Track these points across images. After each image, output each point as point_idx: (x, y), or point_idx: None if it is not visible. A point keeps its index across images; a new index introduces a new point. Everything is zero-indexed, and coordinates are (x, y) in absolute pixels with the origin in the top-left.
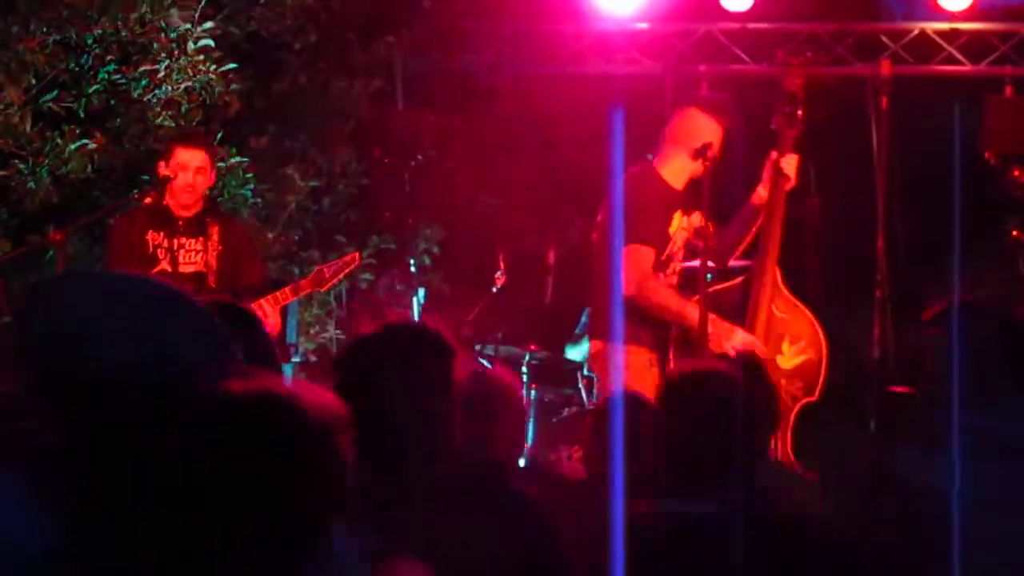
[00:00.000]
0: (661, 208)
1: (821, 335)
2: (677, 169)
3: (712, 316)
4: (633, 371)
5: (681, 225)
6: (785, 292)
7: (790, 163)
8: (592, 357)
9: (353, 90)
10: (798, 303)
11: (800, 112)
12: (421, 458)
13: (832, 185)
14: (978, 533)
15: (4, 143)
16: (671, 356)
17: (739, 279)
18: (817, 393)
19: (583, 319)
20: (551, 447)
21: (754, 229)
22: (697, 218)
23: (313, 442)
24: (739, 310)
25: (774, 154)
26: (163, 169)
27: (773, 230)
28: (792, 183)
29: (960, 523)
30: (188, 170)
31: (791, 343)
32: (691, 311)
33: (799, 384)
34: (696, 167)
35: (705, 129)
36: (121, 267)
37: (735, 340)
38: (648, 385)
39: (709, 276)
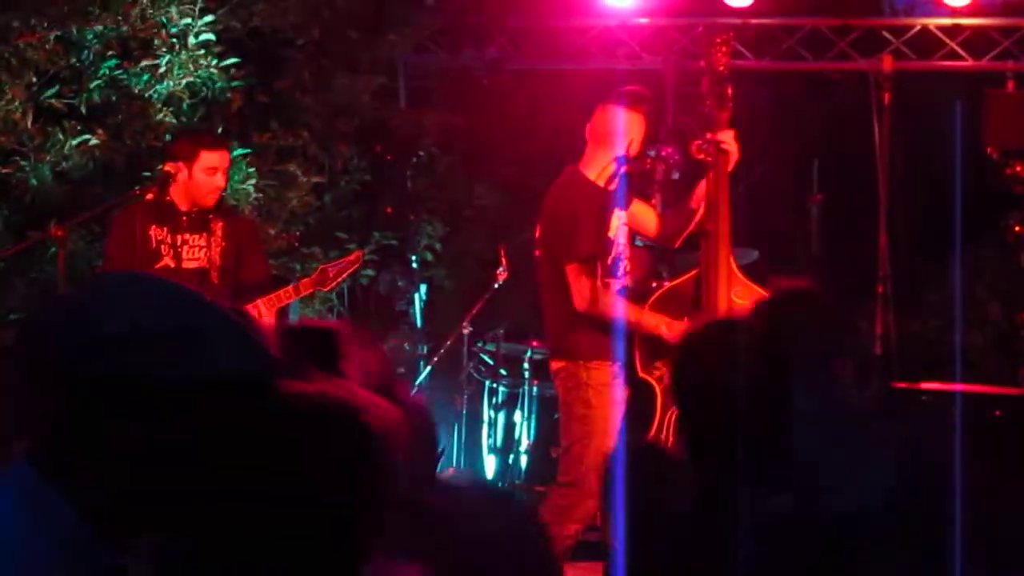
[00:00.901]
0: (595, 214)
1: None
2: (604, 169)
3: (665, 319)
4: (595, 388)
5: (621, 222)
6: (741, 277)
7: (728, 137)
8: (554, 374)
9: (356, 87)
10: (755, 287)
11: (729, 91)
12: None
13: (834, 181)
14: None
15: (5, 139)
16: (637, 360)
17: (694, 271)
18: None
19: None
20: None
21: (698, 213)
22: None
23: (375, 450)
24: (695, 302)
25: (708, 135)
26: (174, 169)
27: (721, 214)
28: (735, 157)
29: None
30: (216, 173)
31: None
32: (648, 319)
33: None
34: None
35: (629, 125)
36: (122, 261)
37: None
38: (611, 401)
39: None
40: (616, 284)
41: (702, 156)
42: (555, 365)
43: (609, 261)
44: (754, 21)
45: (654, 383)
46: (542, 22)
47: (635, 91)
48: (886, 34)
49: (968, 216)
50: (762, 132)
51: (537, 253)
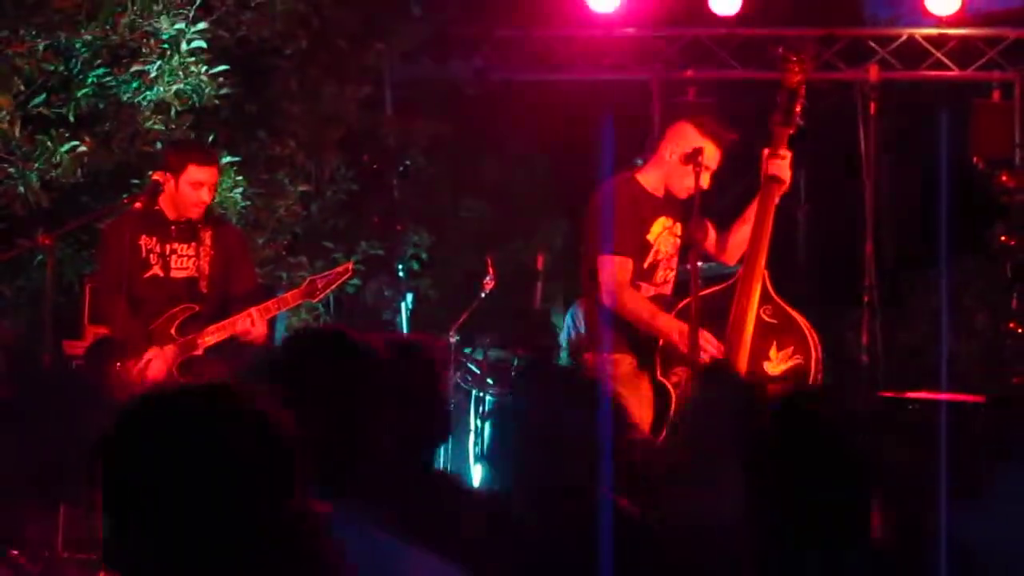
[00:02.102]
0: (635, 216)
1: (811, 341)
2: (658, 176)
3: (683, 329)
4: (620, 380)
5: (668, 230)
6: (775, 298)
7: (780, 165)
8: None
9: (343, 96)
10: (789, 309)
11: (798, 109)
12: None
13: (821, 190)
14: None
15: None
16: (657, 363)
17: (727, 283)
18: None
19: (568, 323)
20: None
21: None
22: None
23: None
24: (723, 314)
25: (766, 152)
26: (161, 178)
27: (762, 234)
28: (785, 186)
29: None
30: (202, 188)
31: (779, 348)
32: (662, 322)
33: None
34: (682, 175)
35: (691, 139)
36: (116, 272)
37: (707, 352)
38: (639, 392)
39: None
40: (650, 290)
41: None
42: (586, 357)
43: (645, 265)
44: (740, 31)
45: (671, 388)
46: (528, 32)
47: (723, 127)
48: (872, 44)
49: (955, 226)
50: (748, 141)
51: (581, 247)
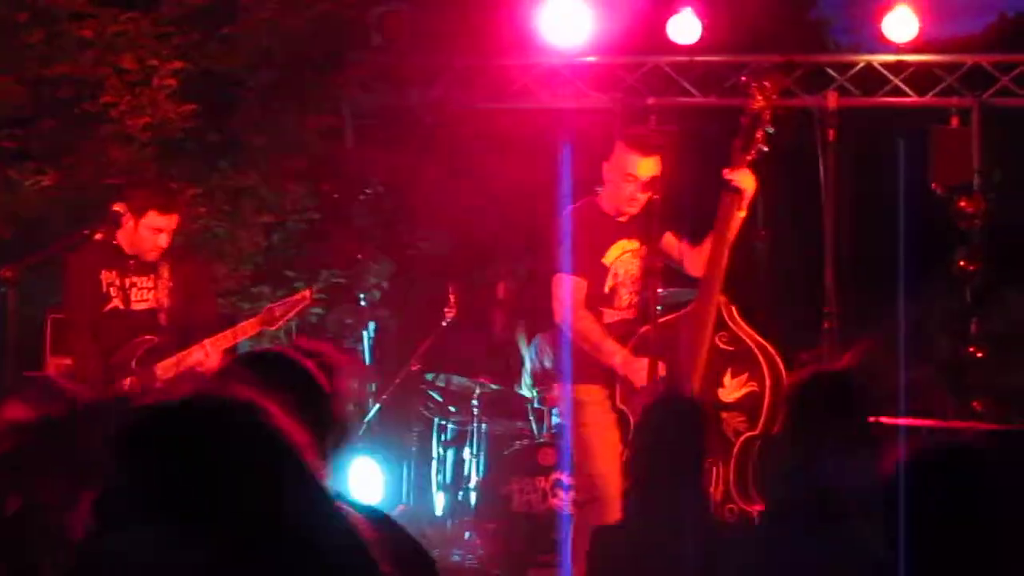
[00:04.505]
0: (591, 239)
1: (766, 368)
2: (612, 199)
3: (628, 357)
4: (587, 408)
5: (632, 252)
6: (731, 324)
7: (738, 175)
8: (557, 400)
9: (304, 126)
10: (746, 337)
11: (759, 134)
12: None
13: (781, 217)
14: None
15: None
16: (617, 389)
17: (686, 309)
18: (760, 426)
19: (531, 353)
20: (502, 480)
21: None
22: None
23: None
24: (675, 342)
25: (726, 172)
26: (121, 211)
27: (719, 258)
28: (745, 196)
29: None
30: (160, 234)
31: (733, 375)
32: (608, 346)
33: (741, 418)
34: (622, 191)
35: (629, 161)
36: (79, 304)
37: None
38: (607, 419)
39: (659, 307)
40: (613, 315)
41: (649, 193)
42: (555, 389)
43: (606, 289)
44: (700, 59)
45: (629, 414)
46: (488, 61)
47: (646, 134)
48: (830, 71)
49: (915, 251)
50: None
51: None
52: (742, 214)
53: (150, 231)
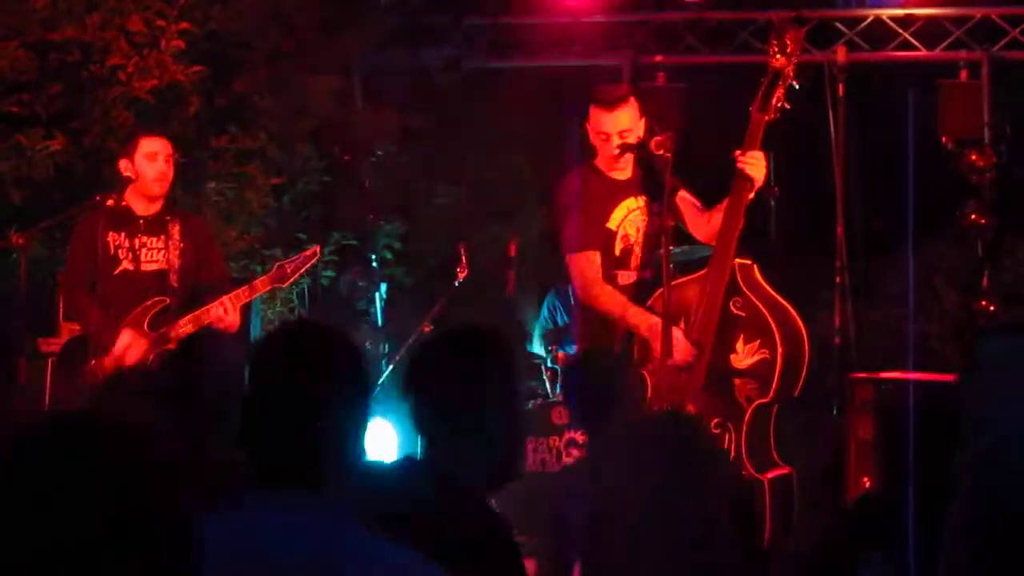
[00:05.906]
0: (592, 207)
1: (778, 336)
2: (602, 161)
3: (654, 324)
4: None
5: (640, 210)
6: (745, 289)
7: (752, 164)
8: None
9: (313, 88)
10: (758, 302)
11: (780, 92)
12: None
13: (791, 173)
14: None
15: None
16: (636, 352)
17: (701, 272)
18: (772, 394)
19: (543, 312)
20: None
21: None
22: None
23: None
24: (690, 305)
25: (737, 152)
26: (125, 168)
27: (732, 231)
28: (757, 184)
29: None
30: (157, 159)
31: (746, 342)
32: (632, 315)
33: (753, 384)
34: (605, 153)
35: (598, 120)
36: (83, 268)
37: (676, 354)
38: None
39: (672, 265)
40: (628, 276)
41: (661, 152)
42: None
43: (617, 253)
44: (708, 15)
45: (647, 376)
46: (498, 20)
47: (605, 89)
48: (839, 25)
49: (925, 206)
50: (720, 123)
51: None
52: (752, 196)
53: (146, 159)
